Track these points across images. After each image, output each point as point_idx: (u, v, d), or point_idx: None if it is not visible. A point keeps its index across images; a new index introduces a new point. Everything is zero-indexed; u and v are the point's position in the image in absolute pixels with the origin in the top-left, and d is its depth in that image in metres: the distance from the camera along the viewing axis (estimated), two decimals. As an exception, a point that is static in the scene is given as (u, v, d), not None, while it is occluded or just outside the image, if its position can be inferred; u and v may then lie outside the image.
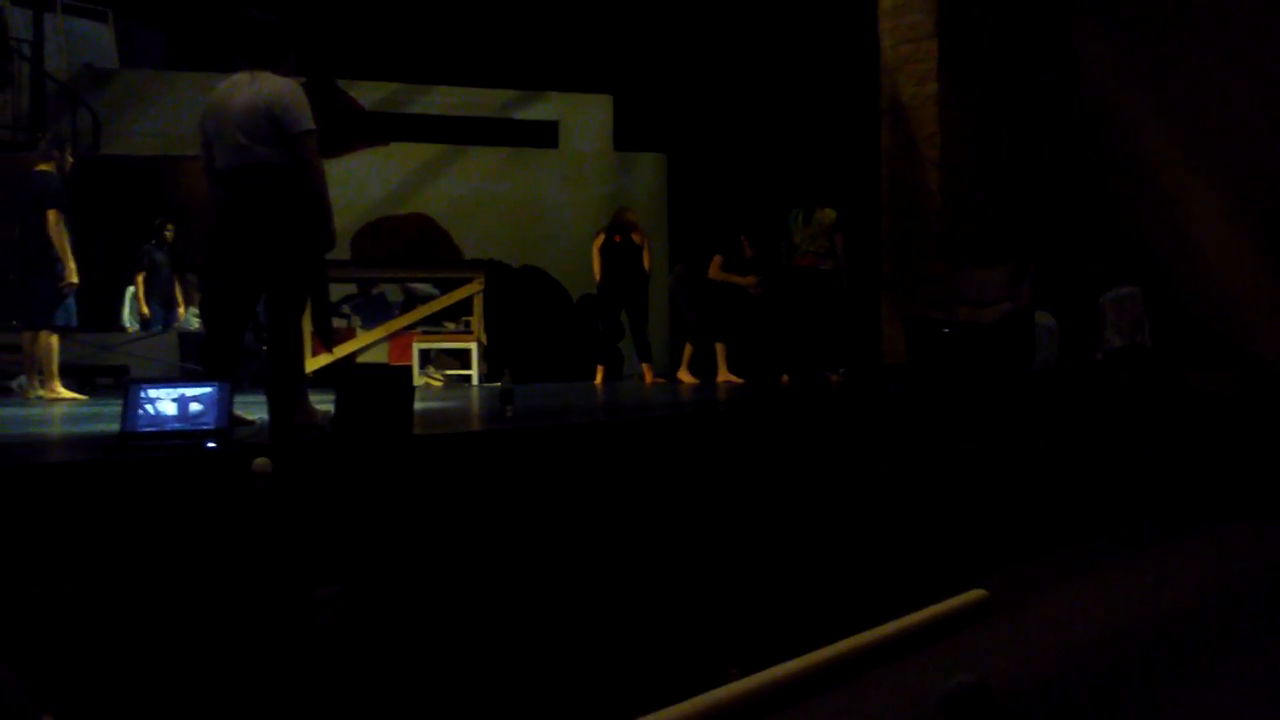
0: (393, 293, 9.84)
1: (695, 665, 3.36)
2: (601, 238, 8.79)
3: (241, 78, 4.28)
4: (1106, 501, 6.18)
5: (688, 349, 8.79)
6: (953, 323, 8.90)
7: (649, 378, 8.87)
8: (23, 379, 7.44)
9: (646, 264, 8.79)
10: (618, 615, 3.77)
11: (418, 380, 8.61)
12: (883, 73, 10.11)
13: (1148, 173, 9.60)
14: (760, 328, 8.83)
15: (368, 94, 11.33)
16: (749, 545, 4.36)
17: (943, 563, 4.76)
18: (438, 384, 8.89)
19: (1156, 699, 3.14)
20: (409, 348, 8.88)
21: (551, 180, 11.61)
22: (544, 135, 12.05)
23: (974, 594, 4.02)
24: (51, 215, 6.71)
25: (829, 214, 8.48)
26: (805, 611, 3.95)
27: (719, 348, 8.59)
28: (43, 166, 6.88)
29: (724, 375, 8.55)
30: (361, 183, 10.65)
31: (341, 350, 8.62)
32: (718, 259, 8.51)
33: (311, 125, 4.19)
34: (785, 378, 8.52)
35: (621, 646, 3.67)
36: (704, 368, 8.71)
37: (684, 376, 8.70)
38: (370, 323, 9.12)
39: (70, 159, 7.07)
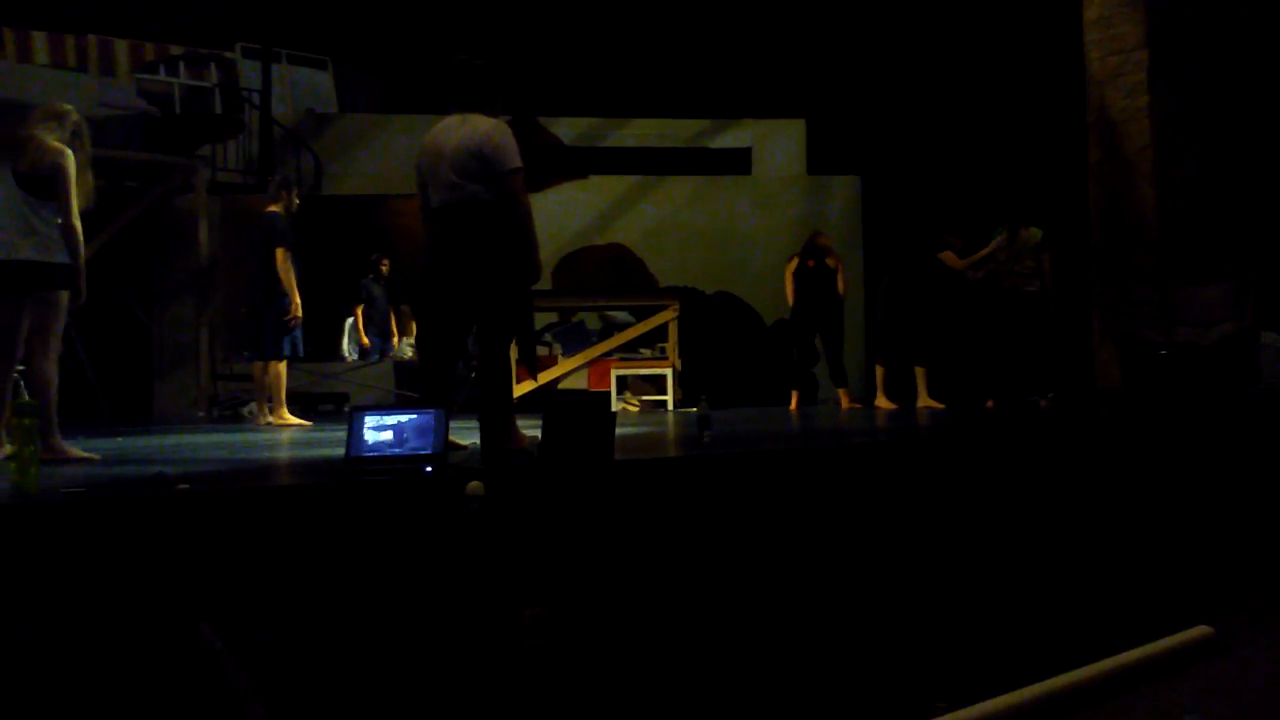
0: (591, 320, 10.07)
1: (901, 699, 3.31)
2: (795, 262, 8.77)
3: (454, 120, 4.51)
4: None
5: (879, 372, 8.65)
6: (1170, 344, 8.46)
7: (845, 403, 8.77)
8: (253, 406, 7.98)
9: (841, 288, 8.71)
10: (819, 644, 3.75)
11: (615, 405, 8.78)
12: (1090, 85, 9.74)
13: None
14: (963, 351, 8.61)
15: (567, 130, 11.67)
16: (956, 576, 4.26)
17: (1164, 597, 4.52)
18: (634, 409, 9.04)
19: None
20: (607, 374, 9.07)
21: (744, 206, 11.65)
22: (737, 162, 12.12)
23: (1198, 630, 3.80)
24: (279, 253, 7.16)
25: (1034, 233, 8.21)
26: (1017, 646, 3.82)
27: (919, 372, 8.40)
28: (272, 207, 7.36)
29: (924, 401, 8.36)
30: (561, 215, 10.95)
31: (545, 377, 8.89)
32: (949, 254, 8.36)
33: (519, 164, 4.37)
34: (990, 403, 8.27)
35: (823, 676, 3.64)
36: (903, 393, 8.54)
37: (882, 403, 8.55)
38: (570, 350, 9.37)
39: (296, 200, 7.50)
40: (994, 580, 4.35)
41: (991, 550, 4.48)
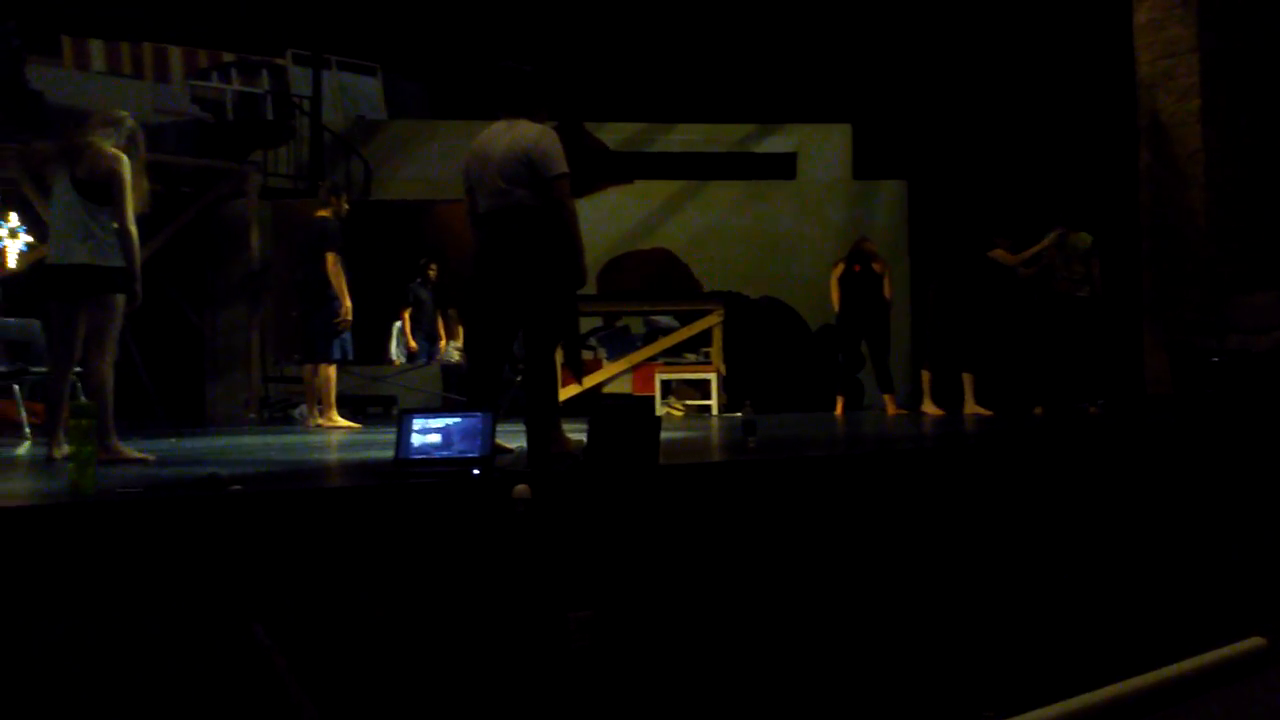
0: (636, 325, 10.09)
1: (948, 707, 3.29)
2: (840, 267, 8.73)
3: (500, 126, 4.54)
4: None
5: (925, 377, 8.57)
6: (1222, 351, 8.35)
7: (891, 409, 8.71)
8: (303, 408, 8.07)
9: (887, 293, 8.66)
10: (865, 652, 3.73)
11: (659, 410, 8.79)
12: (1140, 89, 9.63)
13: None
14: (1012, 357, 8.52)
15: (612, 135, 11.70)
16: (1004, 584, 4.22)
17: (1217, 607, 4.45)
18: (678, 414, 9.04)
19: None
20: (651, 378, 9.08)
21: (789, 211, 11.62)
22: (782, 167, 12.10)
23: (1252, 642, 3.74)
24: (330, 257, 7.24)
25: (1084, 238, 8.13)
26: (1066, 656, 3.78)
27: (966, 378, 8.32)
28: (322, 212, 7.44)
29: (971, 407, 8.28)
30: (606, 220, 10.97)
31: (589, 381, 8.91)
32: (1001, 251, 8.29)
33: (565, 169, 4.40)
34: (1039, 410, 8.18)
35: (872, 683, 3.62)
36: (949, 399, 8.47)
37: (928, 409, 8.47)
38: (615, 354, 9.39)
39: (346, 205, 7.59)
40: (1043, 588, 4.31)
41: (1040, 558, 4.44)
